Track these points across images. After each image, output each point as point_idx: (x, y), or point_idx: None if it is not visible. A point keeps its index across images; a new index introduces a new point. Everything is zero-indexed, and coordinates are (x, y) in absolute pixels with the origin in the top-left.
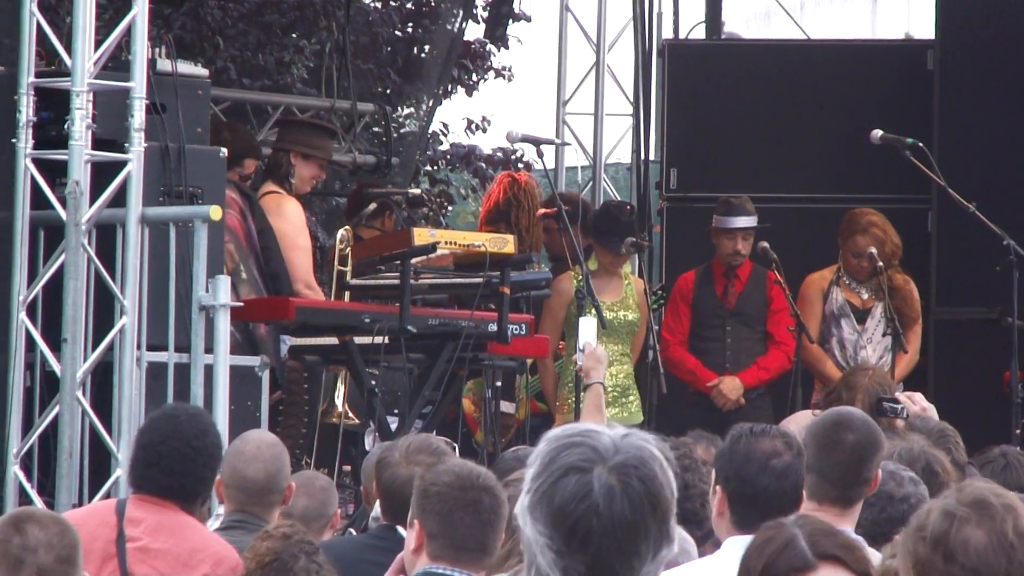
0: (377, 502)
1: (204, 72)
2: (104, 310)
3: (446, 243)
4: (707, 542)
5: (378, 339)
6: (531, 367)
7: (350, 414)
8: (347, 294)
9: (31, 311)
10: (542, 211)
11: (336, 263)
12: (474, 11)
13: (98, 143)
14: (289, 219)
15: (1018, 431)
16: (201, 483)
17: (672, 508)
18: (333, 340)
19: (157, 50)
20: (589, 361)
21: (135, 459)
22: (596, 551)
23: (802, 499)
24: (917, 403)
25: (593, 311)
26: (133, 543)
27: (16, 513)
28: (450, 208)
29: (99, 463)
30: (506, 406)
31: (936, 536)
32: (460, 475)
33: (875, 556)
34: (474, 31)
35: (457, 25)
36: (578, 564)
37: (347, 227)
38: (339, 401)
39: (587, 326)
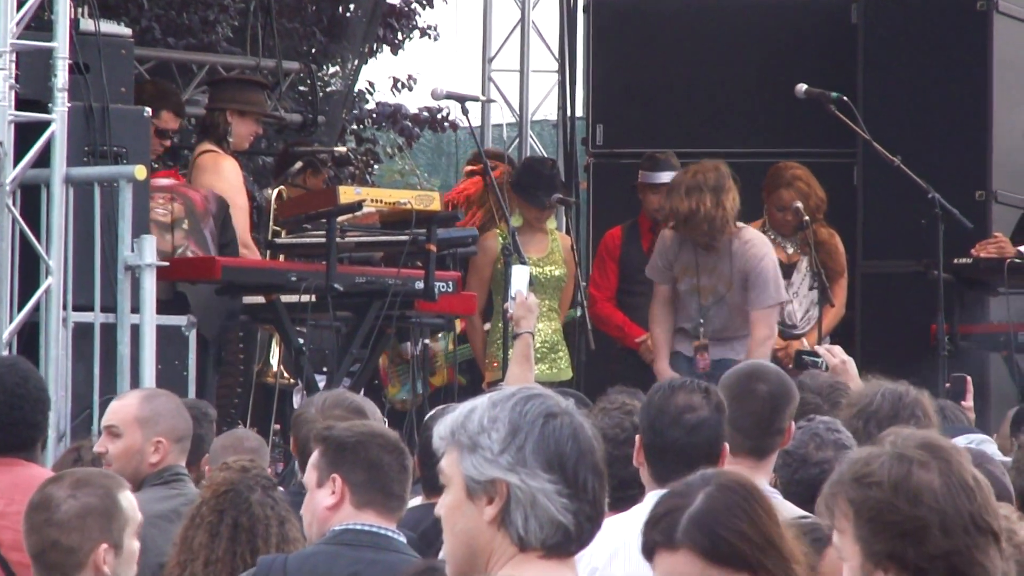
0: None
1: (127, 31)
2: (30, 271)
3: (372, 201)
4: None
5: (305, 297)
6: (457, 337)
7: (285, 374)
8: (280, 254)
9: None
10: (468, 168)
11: (271, 222)
12: None
13: (21, 103)
14: (226, 178)
15: (947, 384)
16: (35, 428)
17: None
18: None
19: (80, 10)
20: (520, 310)
21: None
22: (592, 490)
23: (722, 453)
24: (836, 356)
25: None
26: None
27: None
28: (376, 167)
29: None
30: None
31: (896, 480)
32: (370, 427)
33: (793, 510)
34: None
35: None
36: (585, 506)
37: (282, 186)
38: (274, 361)
39: (519, 274)
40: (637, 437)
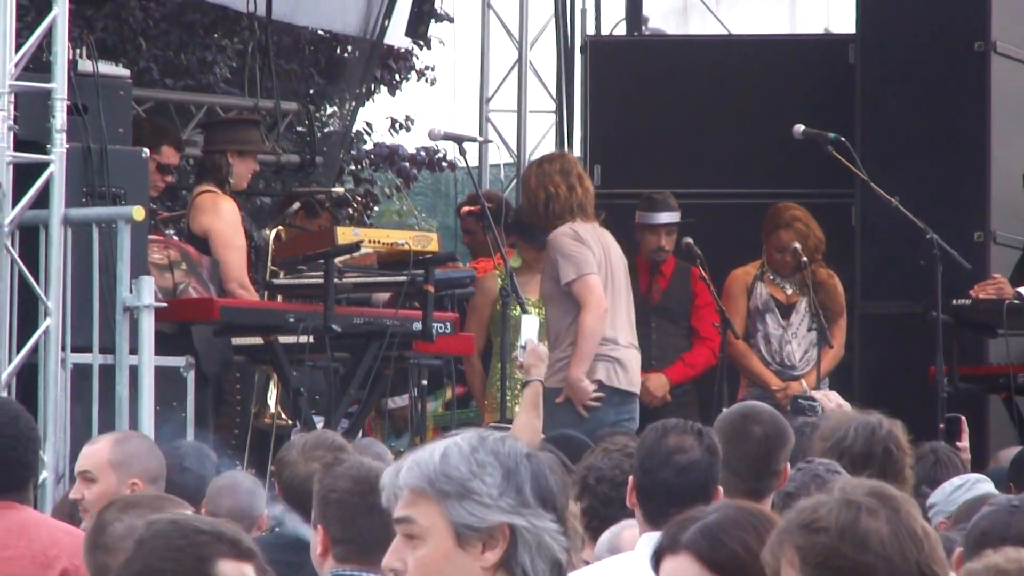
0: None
1: (125, 73)
2: (28, 312)
3: (370, 241)
4: None
5: (303, 338)
6: (449, 403)
7: (282, 415)
8: (279, 295)
9: None
10: (466, 209)
11: (269, 263)
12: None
13: (20, 144)
14: (225, 218)
15: (941, 425)
16: (27, 468)
17: None
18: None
19: (78, 51)
20: (531, 358)
21: None
22: (567, 525)
23: (714, 495)
24: (833, 401)
25: (518, 308)
26: None
27: None
28: (375, 208)
29: None
30: (398, 400)
31: (843, 526)
32: (358, 479)
33: None
34: (397, 36)
35: (378, 26)
36: (567, 541)
37: (281, 226)
38: (271, 402)
39: (529, 324)
40: (630, 478)
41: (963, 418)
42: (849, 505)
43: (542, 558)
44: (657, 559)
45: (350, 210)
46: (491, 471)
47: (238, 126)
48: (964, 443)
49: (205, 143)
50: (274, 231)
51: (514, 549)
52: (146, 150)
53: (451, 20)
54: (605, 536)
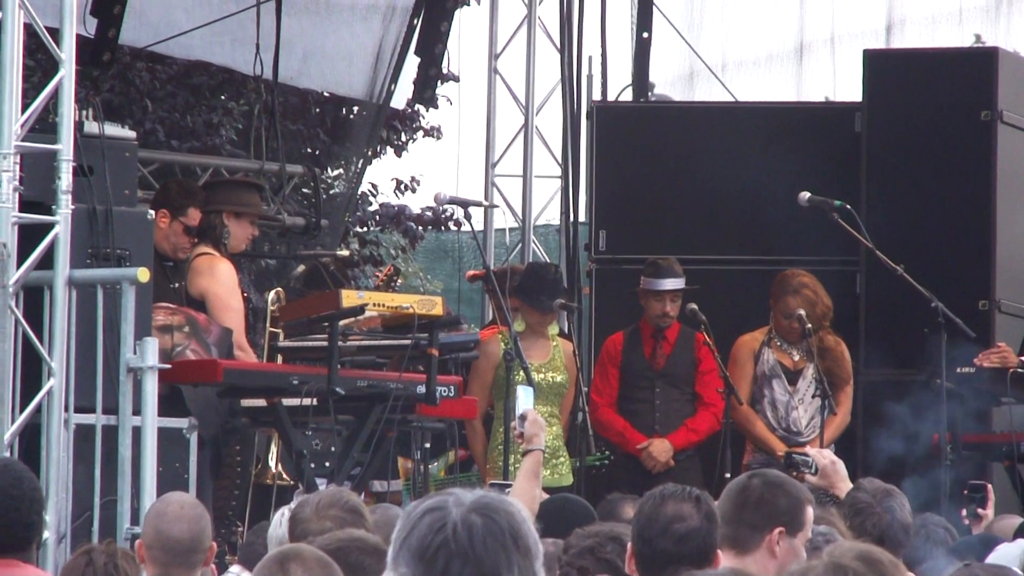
0: None
1: (131, 134)
2: (32, 372)
3: (375, 305)
4: None
5: (307, 401)
6: (452, 466)
7: (283, 475)
8: (279, 356)
9: None
10: (471, 273)
11: (268, 324)
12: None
13: (25, 205)
14: (222, 280)
15: (965, 492)
16: (31, 528)
17: (536, 550)
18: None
19: (84, 112)
20: (533, 428)
21: None
22: None
23: (713, 561)
24: (826, 457)
25: (522, 373)
26: None
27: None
28: (400, 282)
29: None
30: (403, 462)
31: None
32: (342, 538)
33: None
34: (403, 100)
35: (384, 90)
36: None
37: (279, 288)
38: (272, 462)
39: (525, 394)
40: (629, 545)
41: (989, 486)
42: (837, 568)
43: None
44: None
45: (378, 284)
46: (400, 524)
47: (237, 188)
48: (988, 511)
49: (204, 203)
50: (272, 293)
51: None
52: (151, 211)
53: (457, 80)
54: None
